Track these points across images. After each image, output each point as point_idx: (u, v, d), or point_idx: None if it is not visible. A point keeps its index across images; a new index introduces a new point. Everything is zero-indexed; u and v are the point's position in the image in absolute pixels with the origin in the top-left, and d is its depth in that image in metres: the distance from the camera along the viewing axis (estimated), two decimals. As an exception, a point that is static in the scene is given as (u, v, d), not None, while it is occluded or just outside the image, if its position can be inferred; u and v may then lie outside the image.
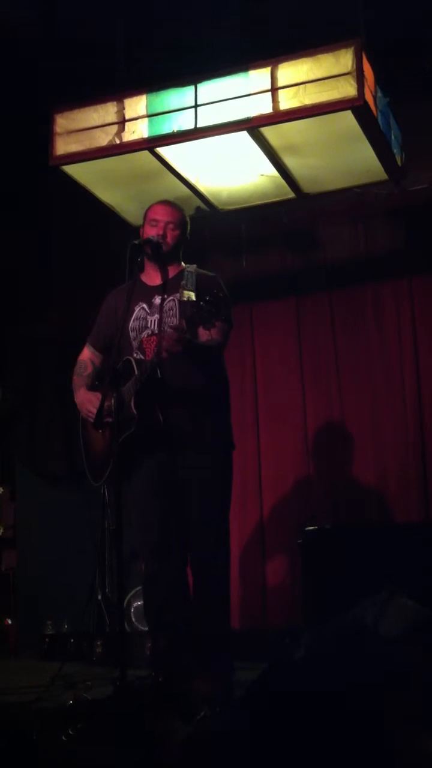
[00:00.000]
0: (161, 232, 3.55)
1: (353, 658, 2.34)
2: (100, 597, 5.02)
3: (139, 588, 4.36)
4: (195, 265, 3.62)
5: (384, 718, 2.16)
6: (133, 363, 3.43)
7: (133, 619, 4.79)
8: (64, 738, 2.64)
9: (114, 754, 2.55)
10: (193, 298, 3.37)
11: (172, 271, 3.61)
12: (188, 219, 3.69)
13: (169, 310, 3.53)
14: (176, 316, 3.49)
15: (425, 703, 2.27)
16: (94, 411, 3.52)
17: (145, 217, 3.64)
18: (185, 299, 3.41)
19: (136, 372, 3.39)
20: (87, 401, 3.60)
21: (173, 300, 3.53)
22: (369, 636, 2.58)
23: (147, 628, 3.93)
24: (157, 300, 3.55)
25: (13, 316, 5.81)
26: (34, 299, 5.79)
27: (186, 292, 3.43)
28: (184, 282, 3.49)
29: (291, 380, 5.35)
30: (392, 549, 4.18)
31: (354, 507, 5.03)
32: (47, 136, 4.48)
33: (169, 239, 3.56)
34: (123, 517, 3.18)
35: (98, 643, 4.81)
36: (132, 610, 4.81)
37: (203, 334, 3.37)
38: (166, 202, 3.69)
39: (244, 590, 5.15)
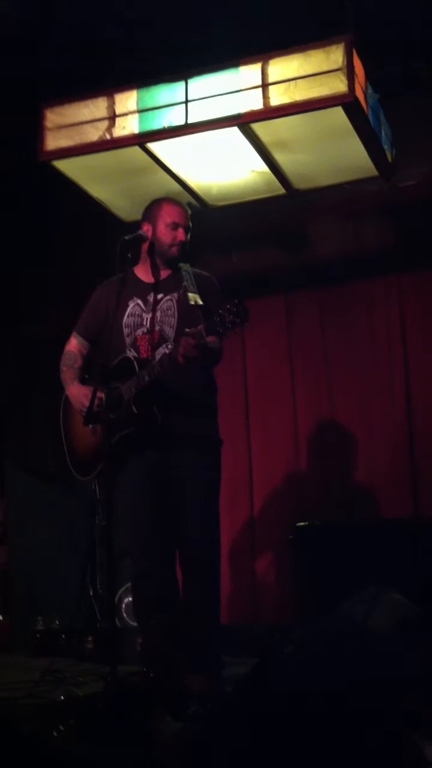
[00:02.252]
0: (184, 239, 3.56)
1: (343, 653, 2.35)
2: (91, 593, 5.02)
3: (129, 584, 4.36)
4: (188, 264, 3.62)
5: (372, 712, 2.16)
6: (134, 362, 3.42)
7: (124, 615, 4.78)
8: (54, 734, 2.64)
9: (104, 750, 2.55)
10: (200, 302, 3.36)
11: (168, 270, 3.60)
12: None
13: (167, 309, 3.52)
14: (175, 316, 3.48)
15: (413, 698, 2.28)
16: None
17: (157, 215, 3.61)
18: (192, 303, 3.39)
19: (137, 371, 3.38)
20: (82, 395, 3.58)
21: (171, 299, 3.52)
22: (358, 631, 2.58)
23: (137, 625, 3.93)
24: (153, 297, 3.55)
25: (9, 316, 5.78)
26: (30, 299, 5.76)
27: (192, 295, 3.41)
28: (185, 283, 3.47)
29: (281, 377, 5.35)
30: (382, 545, 4.19)
31: (344, 504, 5.03)
32: (37, 131, 4.47)
33: (187, 242, 3.58)
34: (113, 513, 3.18)
35: (89, 639, 4.81)
36: (123, 606, 4.80)
37: (210, 339, 3.35)
38: (182, 205, 3.68)
39: (234, 586, 5.16)
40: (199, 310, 3.37)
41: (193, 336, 3.17)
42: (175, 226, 3.56)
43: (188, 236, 3.60)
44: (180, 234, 3.55)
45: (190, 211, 3.68)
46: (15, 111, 4.92)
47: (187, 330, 3.23)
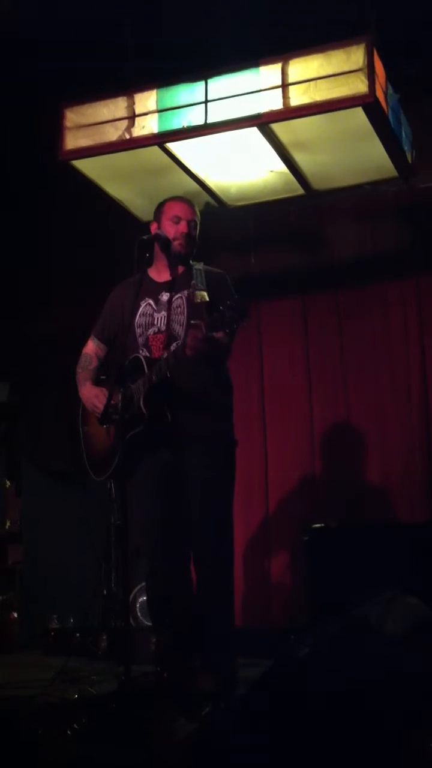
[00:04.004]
0: (185, 231, 3.54)
1: (357, 657, 2.33)
2: (105, 592, 5.02)
3: (143, 584, 4.36)
4: (202, 263, 3.61)
5: (386, 717, 2.15)
6: (143, 361, 3.42)
7: (138, 614, 4.79)
8: (68, 733, 2.64)
9: (117, 750, 2.55)
10: (207, 299, 3.35)
11: (180, 269, 3.60)
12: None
13: (177, 307, 3.51)
14: (184, 314, 3.48)
15: (427, 703, 2.27)
16: (101, 406, 3.51)
17: (161, 212, 3.61)
18: (199, 300, 3.38)
19: (146, 370, 3.38)
20: (93, 396, 3.59)
21: (181, 297, 3.52)
22: (373, 635, 2.57)
23: (151, 624, 3.93)
24: (165, 296, 3.54)
25: (16, 314, 5.81)
26: (35, 297, 5.79)
27: (199, 293, 3.40)
28: (194, 281, 3.46)
29: (297, 379, 5.33)
30: (397, 548, 4.17)
31: (359, 506, 5.02)
32: (56, 131, 4.48)
33: (194, 236, 3.56)
34: (128, 513, 3.18)
35: (103, 638, 4.81)
36: (137, 605, 4.80)
37: (221, 336, 3.34)
38: (185, 200, 3.66)
39: (248, 588, 5.15)
40: (206, 307, 3.36)
41: (199, 328, 3.15)
42: (177, 220, 3.55)
43: (194, 230, 3.58)
44: (182, 226, 3.54)
45: (195, 207, 3.65)
46: (16, 108, 4.95)
47: (192, 322, 3.24)
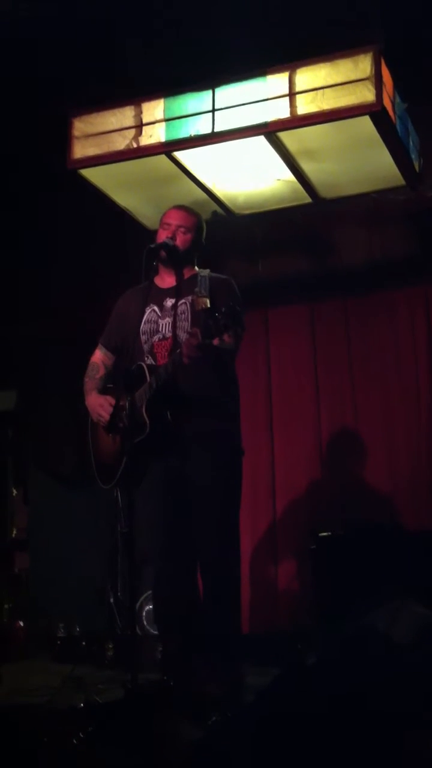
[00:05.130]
0: (170, 235, 3.56)
1: (366, 665, 2.33)
2: (111, 600, 5.02)
3: (150, 592, 4.36)
4: (208, 270, 3.62)
5: (396, 725, 2.14)
6: (146, 368, 3.42)
7: (145, 622, 4.78)
8: (74, 741, 2.64)
9: (123, 757, 2.55)
10: (207, 305, 3.36)
11: (185, 275, 3.61)
12: (203, 224, 3.68)
13: (181, 314, 3.52)
14: (188, 320, 3.49)
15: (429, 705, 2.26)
16: (105, 415, 3.52)
17: (159, 221, 3.65)
18: (200, 307, 3.40)
19: (148, 378, 3.39)
20: (98, 405, 3.60)
21: (185, 303, 3.53)
22: (381, 643, 2.56)
23: (158, 632, 3.93)
24: (169, 303, 3.55)
25: (18, 319, 5.81)
26: (38, 302, 5.79)
27: (201, 299, 3.42)
28: (197, 288, 3.48)
29: (305, 385, 5.33)
30: (404, 556, 4.16)
31: (366, 512, 5.00)
32: (62, 138, 4.51)
33: (179, 242, 3.56)
34: (135, 520, 3.18)
35: (110, 646, 4.81)
36: (144, 613, 4.80)
37: (217, 341, 3.36)
38: (180, 207, 3.69)
39: (255, 594, 5.14)
40: (204, 313, 3.36)
41: (195, 336, 3.18)
42: (166, 226, 3.59)
43: (188, 236, 3.58)
44: (169, 232, 3.56)
45: (196, 214, 3.67)
46: (21, 112, 4.96)
47: (189, 331, 3.28)
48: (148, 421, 3.33)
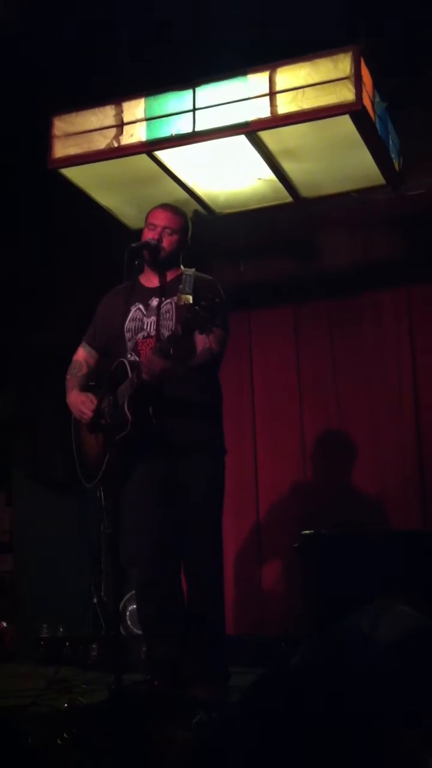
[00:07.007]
0: (157, 237, 3.55)
1: (349, 665, 2.33)
2: (95, 601, 5.00)
3: (134, 592, 4.35)
4: (194, 269, 3.62)
5: (378, 725, 2.15)
6: (127, 365, 3.42)
7: (129, 623, 4.77)
8: (59, 742, 2.63)
9: (108, 759, 2.54)
10: (190, 302, 3.36)
11: (170, 275, 3.61)
12: (189, 224, 3.68)
13: (165, 313, 3.53)
14: (173, 320, 3.49)
15: (419, 711, 2.26)
16: (88, 413, 3.51)
17: (145, 220, 3.64)
18: (183, 303, 3.40)
19: (129, 374, 3.38)
20: (79, 402, 3.59)
21: (170, 303, 3.53)
22: (365, 643, 2.56)
23: (142, 633, 3.92)
24: (154, 302, 3.56)
25: (15, 324, 5.78)
26: (37, 307, 5.76)
27: (184, 296, 3.42)
28: (182, 286, 3.48)
29: (289, 387, 5.33)
30: (390, 555, 4.16)
31: (351, 513, 5.01)
32: (45, 139, 4.48)
33: (165, 244, 3.56)
34: (119, 521, 3.17)
35: (94, 647, 4.79)
36: (127, 614, 4.79)
37: (200, 341, 3.36)
38: (166, 207, 3.67)
39: (240, 596, 5.14)
40: (186, 309, 3.36)
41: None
42: (152, 227, 3.57)
43: (174, 237, 3.57)
44: (155, 233, 3.55)
45: (182, 213, 3.66)
46: (16, 112, 4.93)
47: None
48: (130, 417, 3.32)
